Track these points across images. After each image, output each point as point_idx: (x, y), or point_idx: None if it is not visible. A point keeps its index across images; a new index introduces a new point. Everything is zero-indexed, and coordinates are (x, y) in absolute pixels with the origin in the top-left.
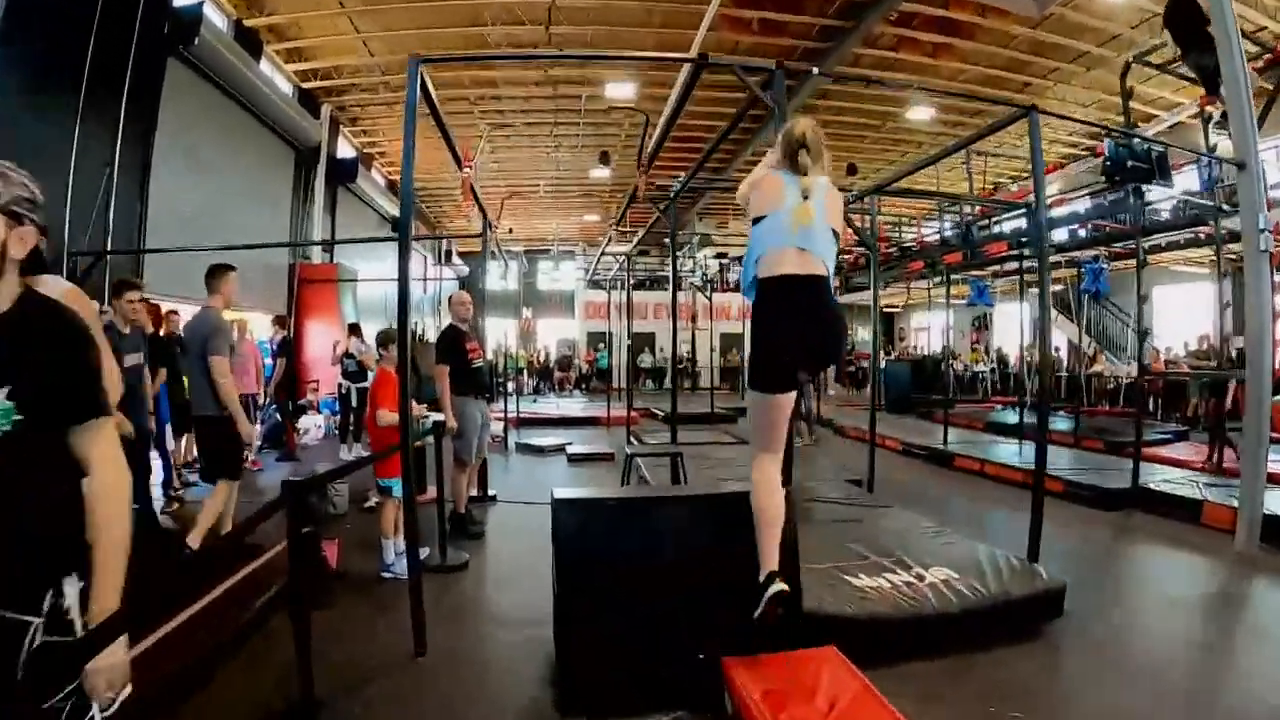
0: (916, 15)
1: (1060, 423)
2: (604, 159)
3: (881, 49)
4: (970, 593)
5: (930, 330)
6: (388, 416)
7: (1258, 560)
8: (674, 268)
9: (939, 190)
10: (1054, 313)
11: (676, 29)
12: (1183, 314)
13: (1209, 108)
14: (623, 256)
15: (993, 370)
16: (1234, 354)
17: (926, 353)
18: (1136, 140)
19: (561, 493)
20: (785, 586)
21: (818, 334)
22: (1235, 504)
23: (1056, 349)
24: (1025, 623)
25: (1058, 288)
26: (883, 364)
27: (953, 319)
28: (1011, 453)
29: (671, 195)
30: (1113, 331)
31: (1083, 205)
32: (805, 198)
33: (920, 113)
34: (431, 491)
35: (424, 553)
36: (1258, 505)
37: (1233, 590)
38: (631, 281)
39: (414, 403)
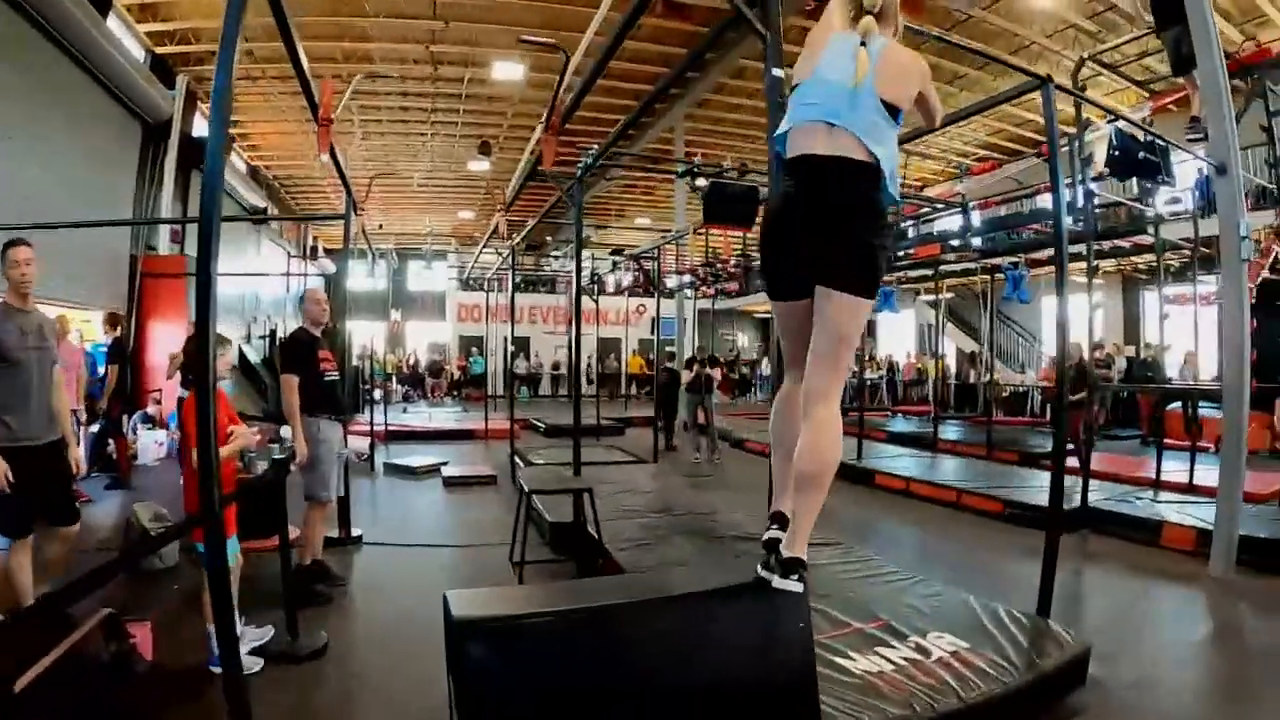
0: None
1: (951, 432)
2: (484, 149)
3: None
4: (994, 671)
5: None
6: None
7: (1240, 586)
8: (578, 258)
9: None
10: (946, 322)
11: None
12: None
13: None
14: (500, 255)
15: (882, 377)
16: (1107, 360)
17: None
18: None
19: (461, 605)
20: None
21: (806, 237)
22: (1197, 524)
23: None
24: (1051, 698)
25: (949, 296)
26: (768, 371)
27: None
28: (935, 469)
29: (580, 171)
30: (1000, 339)
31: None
32: (854, 59)
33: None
34: (294, 530)
35: (265, 634)
36: (1234, 528)
37: (1242, 628)
38: (516, 279)
39: (256, 429)
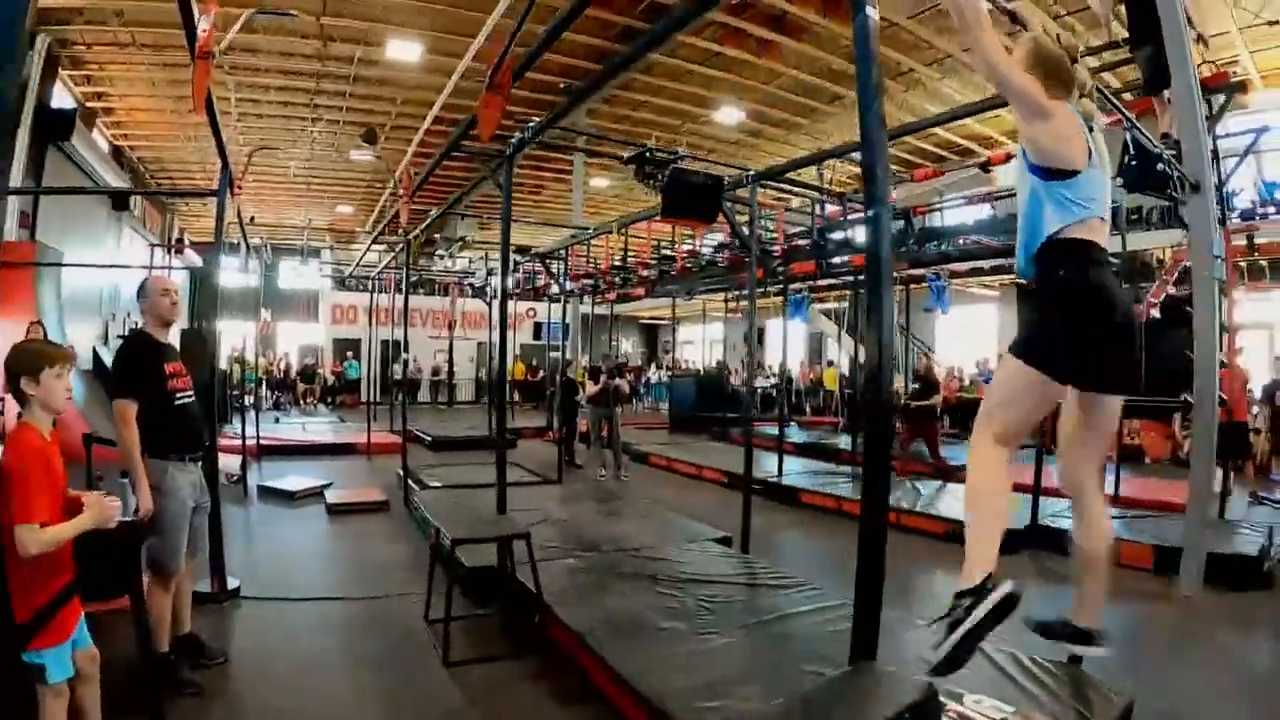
0: (753, 4)
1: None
2: (369, 137)
3: (707, 39)
4: None
5: (698, 344)
6: (36, 538)
7: (1215, 606)
8: (505, 250)
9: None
10: (837, 330)
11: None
12: (961, 336)
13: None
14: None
15: (775, 386)
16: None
17: (703, 367)
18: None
19: None
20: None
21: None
22: (1152, 541)
23: (830, 363)
24: None
25: (837, 305)
26: (655, 379)
27: (724, 333)
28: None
29: (511, 148)
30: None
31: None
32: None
33: (729, 115)
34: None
35: None
36: (1203, 544)
37: (1245, 651)
38: (403, 278)
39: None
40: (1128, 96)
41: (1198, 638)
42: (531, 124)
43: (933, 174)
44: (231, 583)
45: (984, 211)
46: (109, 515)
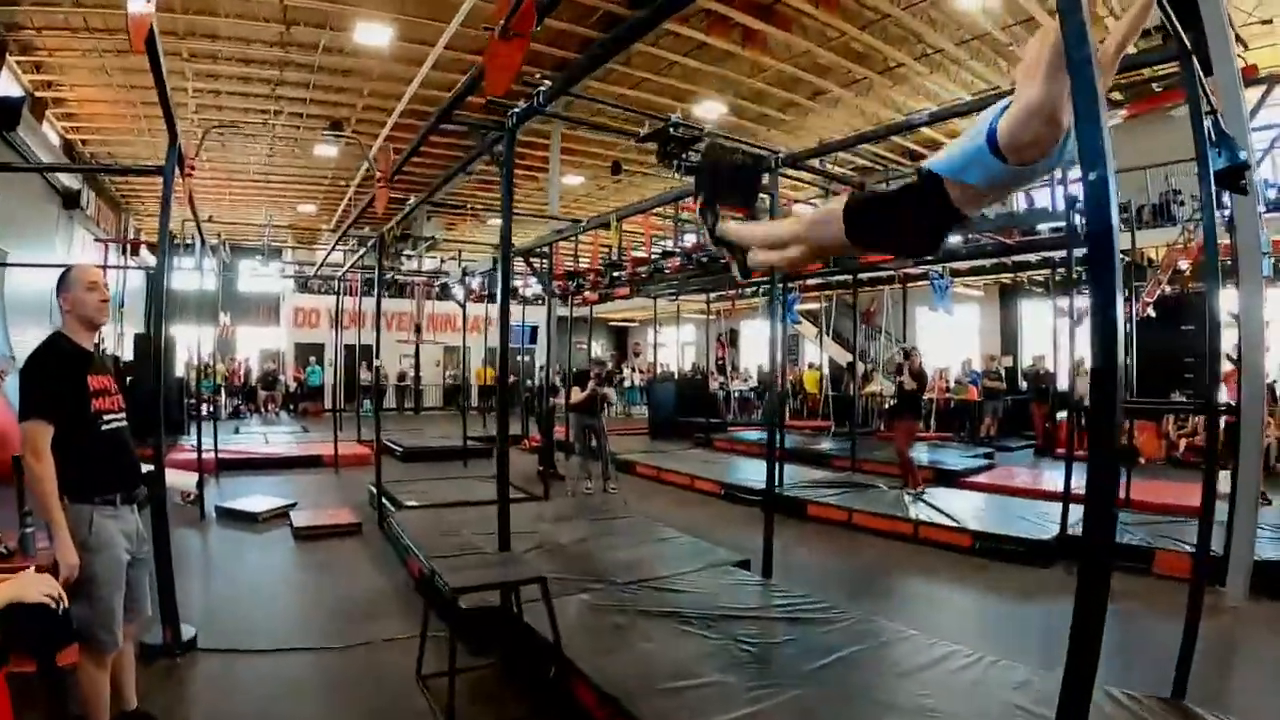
0: None
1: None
2: (335, 128)
3: (693, 28)
4: None
5: (670, 346)
6: None
7: (1277, 616)
8: (505, 232)
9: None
10: (814, 331)
11: None
12: (945, 336)
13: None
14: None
15: (753, 389)
16: (999, 371)
17: (678, 370)
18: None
19: None
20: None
21: None
22: (1190, 549)
23: (811, 365)
24: None
25: (814, 306)
26: (634, 383)
27: (693, 334)
28: (869, 497)
29: (515, 118)
30: (874, 350)
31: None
32: None
33: (709, 110)
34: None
35: None
36: (1249, 552)
37: None
38: (375, 277)
39: None
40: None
41: (1273, 652)
42: (517, 109)
43: None
44: (187, 632)
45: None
46: (35, 592)
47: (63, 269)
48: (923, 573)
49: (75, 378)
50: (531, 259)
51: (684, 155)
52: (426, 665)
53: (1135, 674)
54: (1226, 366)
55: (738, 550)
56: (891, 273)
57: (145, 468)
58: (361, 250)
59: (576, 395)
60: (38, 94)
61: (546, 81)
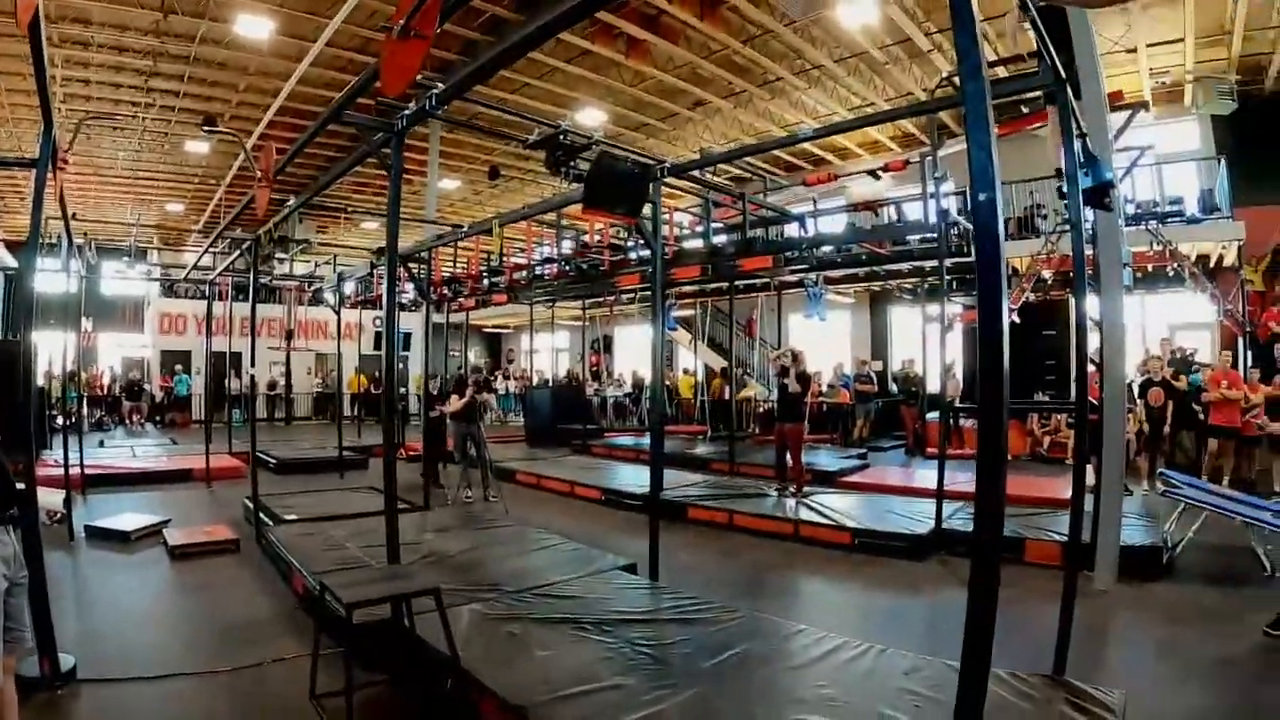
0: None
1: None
2: (209, 123)
3: (577, 34)
4: None
5: (543, 353)
6: None
7: (1135, 596)
8: (392, 237)
9: None
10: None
11: None
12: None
13: None
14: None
15: (628, 395)
16: (870, 375)
17: (552, 377)
18: None
19: None
20: None
21: None
22: (1058, 538)
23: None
24: None
25: (689, 312)
26: (507, 390)
27: (567, 341)
28: (750, 500)
29: (404, 120)
30: (746, 356)
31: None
32: None
33: (590, 117)
34: None
35: None
36: (1116, 539)
37: (1193, 640)
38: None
39: None
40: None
41: (1141, 630)
42: (407, 112)
43: (826, 178)
44: (65, 662)
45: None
46: None
47: None
48: (806, 570)
49: None
50: (410, 264)
51: (572, 162)
52: (320, 685)
53: (1017, 655)
54: (1092, 368)
55: (623, 555)
56: (767, 280)
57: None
58: (235, 253)
59: (455, 403)
60: None
61: (437, 85)
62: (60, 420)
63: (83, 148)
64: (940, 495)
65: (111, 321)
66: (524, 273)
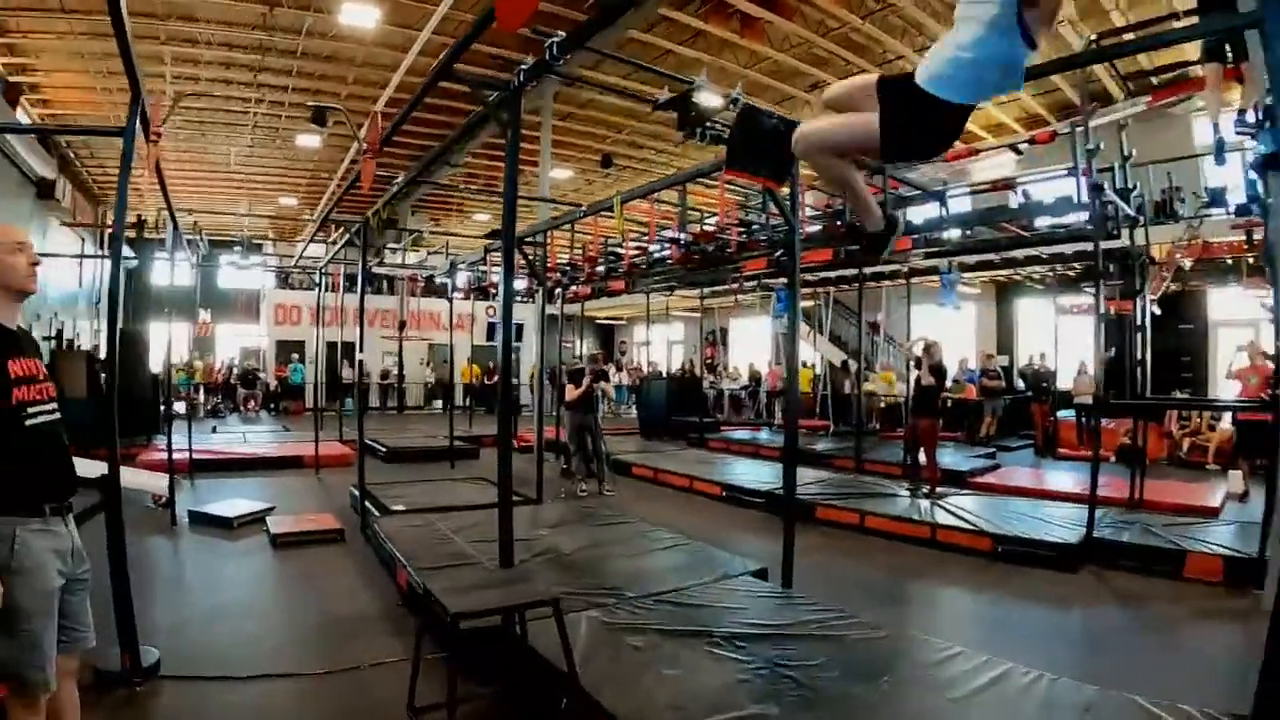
0: None
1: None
2: (319, 118)
3: (690, 14)
4: None
5: (654, 345)
6: None
7: None
8: (509, 202)
9: None
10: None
11: None
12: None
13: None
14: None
15: (745, 389)
16: (997, 370)
17: (666, 369)
18: None
19: None
20: None
21: None
22: (1221, 552)
23: (805, 363)
24: None
25: (809, 304)
26: (620, 382)
27: (683, 334)
28: (880, 499)
29: (520, 76)
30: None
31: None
32: None
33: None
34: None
35: None
36: None
37: None
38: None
39: None
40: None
41: None
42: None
43: (966, 153)
44: (149, 655)
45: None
46: None
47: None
48: (946, 579)
49: None
50: (524, 246)
51: (707, 124)
52: (419, 695)
53: (1196, 684)
54: (1243, 363)
55: (749, 556)
56: (897, 267)
57: (97, 469)
58: (343, 239)
59: (571, 393)
60: (11, 78)
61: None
62: (175, 407)
63: (197, 145)
64: (1093, 501)
65: (229, 313)
66: (643, 257)
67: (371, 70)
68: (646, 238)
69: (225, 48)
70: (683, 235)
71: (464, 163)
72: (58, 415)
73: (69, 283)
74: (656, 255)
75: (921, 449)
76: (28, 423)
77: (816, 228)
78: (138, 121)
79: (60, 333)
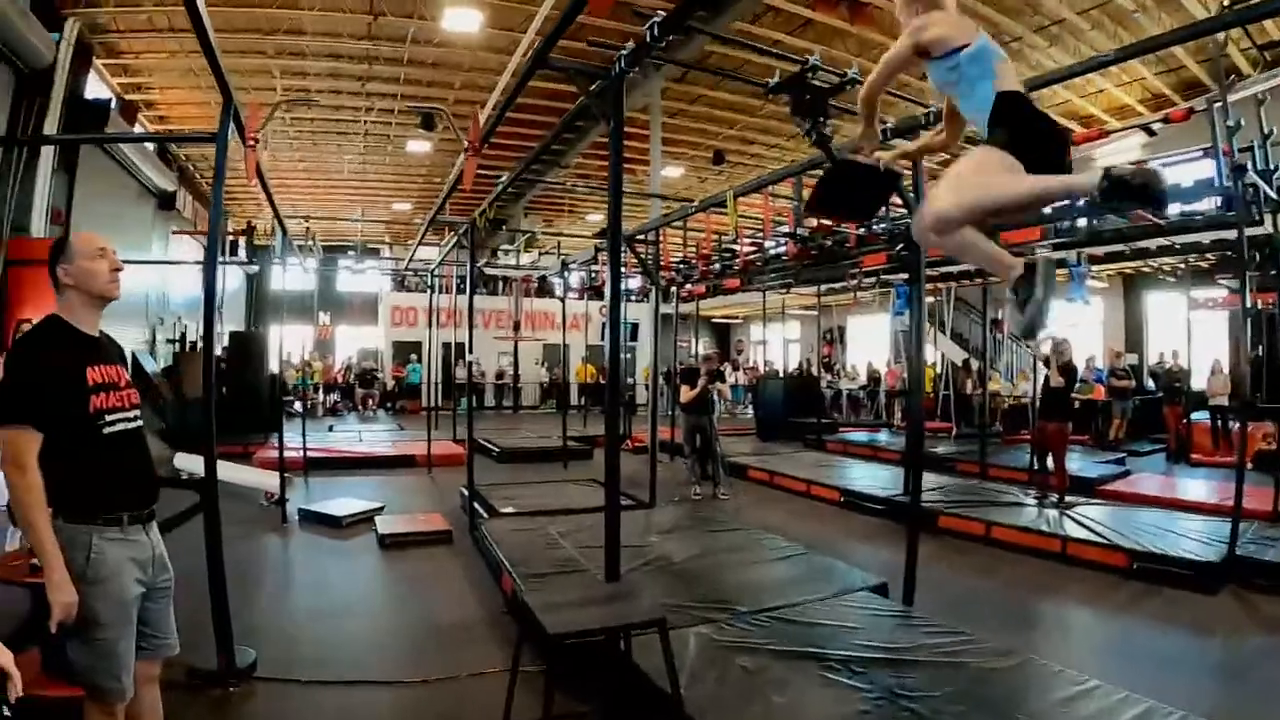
0: None
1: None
2: (427, 123)
3: (796, 2)
4: None
5: (769, 344)
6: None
7: None
8: (616, 185)
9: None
10: (928, 327)
11: None
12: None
13: None
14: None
15: (864, 389)
16: (1127, 369)
17: (783, 369)
18: None
19: None
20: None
21: None
22: None
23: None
24: None
25: (929, 300)
26: (736, 382)
27: (799, 333)
28: (1007, 508)
29: (621, 62)
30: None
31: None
32: None
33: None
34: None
35: None
36: None
37: None
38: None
39: None
40: None
41: None
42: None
43: (1096, 135)
44: (245, 656)
45: None
46: None
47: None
48: (1076, 598)
49: (70, 370)
50: (636, 244)
51: (825, 107)
52: (516, 709)
53: None
54: None
55: (867, 567)
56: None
57: (191, 464)
58: (453, 240)
59: (686, 393)
60: (127, 96)
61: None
62: (296, 405)
63: (311, 154)
64: (1237, 514)
65: (348, 315)
66: (759, 254)
67: (478, 75)
68: (761, 233)
69: (332, 59)
70: (799, 230)
71: (575, 163)
72: (139, 423)
73: (192, 288)
74: (772, 252)
75: (1050, 454)
76: (105, 430)
77: None
78: (230, 128)
79: (184, 336)
